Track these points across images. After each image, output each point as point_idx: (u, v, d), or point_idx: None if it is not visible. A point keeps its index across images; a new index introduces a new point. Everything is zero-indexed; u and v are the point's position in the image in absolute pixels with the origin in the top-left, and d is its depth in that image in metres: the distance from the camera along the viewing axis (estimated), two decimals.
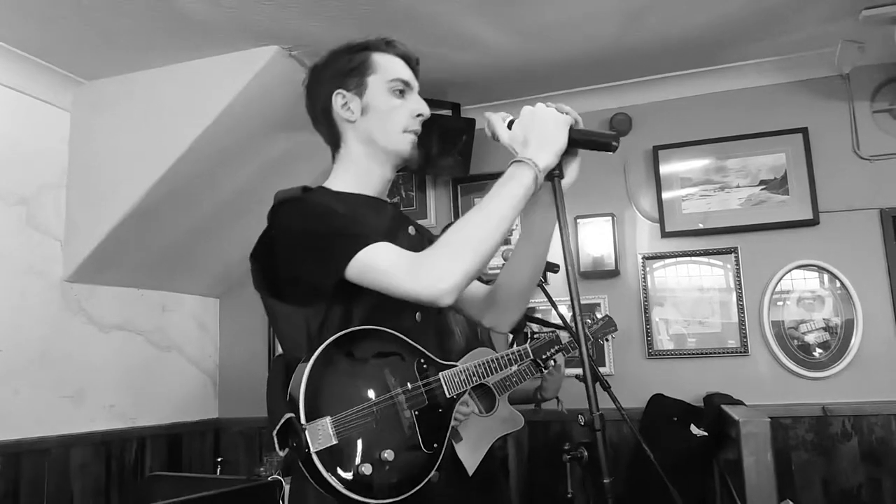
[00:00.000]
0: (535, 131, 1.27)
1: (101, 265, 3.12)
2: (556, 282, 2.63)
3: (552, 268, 2.51)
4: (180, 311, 3.72)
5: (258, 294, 4.11)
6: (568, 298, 1.20)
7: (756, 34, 3.00)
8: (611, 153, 1.30)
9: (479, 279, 1.58)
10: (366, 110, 1.42)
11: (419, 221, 1.96)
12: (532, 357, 2.14)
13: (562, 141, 1.27)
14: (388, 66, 1.45)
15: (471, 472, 2.23)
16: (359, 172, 1.44)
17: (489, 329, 1.61)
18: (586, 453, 1.90)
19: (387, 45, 1.47)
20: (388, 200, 1.48)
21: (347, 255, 1.21)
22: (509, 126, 1.33)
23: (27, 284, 2.91)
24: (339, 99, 1.43)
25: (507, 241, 2.24)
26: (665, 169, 3.39)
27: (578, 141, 1.31)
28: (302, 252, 1.28)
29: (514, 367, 1.84)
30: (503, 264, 1.54)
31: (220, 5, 2.55)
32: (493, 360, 1.64)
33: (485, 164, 3.47)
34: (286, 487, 2.38)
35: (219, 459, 3.54)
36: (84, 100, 3.14)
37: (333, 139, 1.47)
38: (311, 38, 2.83)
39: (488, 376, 1.56)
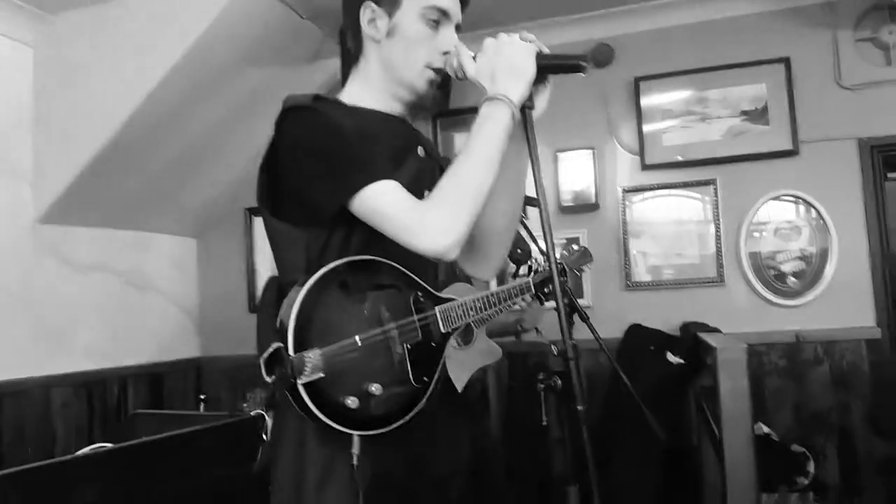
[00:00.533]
0: (501, 64, 1.24)
1: (74, 206, 3.07)
2: (536, 216, 2.61)
3: (532, 202, 2.49)
4: (157, 250, 3.69)
5: (235, 233, 4.04)
6: (541, 231, 1.19)
7: None
8: (592, 79, 1.27)
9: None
10: (392, 32, 1.34)
11: None
12: (534, 291, 2.10)
13: (531, 70, 1.24)
14: None
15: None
16: (373, 92, 1.38)
17: (470, 276, 1.58)
18: (560, 382, 1.92)
19: None
20: (400, 117, 1.41)
21: (352, 188, 1.19)
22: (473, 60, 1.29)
23: None
24: (367, 12, 1.34)
25: None
26: (646, 101, 3.36)
27: (547, 66, 1.27)
28: (306, 169, 1.23)
29: (515, 301, 1.79)
30: None
31: None
32: (493, 294, 1.56)
33: (464, 97, 3.41)
34: (269, 422, 2.41)
35: (201, 397, 3.57)
36: (47, 35, 3.02)
37: (355, 51, 1.39)
38: None
39: (487, 310, 1.51)
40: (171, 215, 3.69)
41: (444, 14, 1.35)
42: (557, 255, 2.60)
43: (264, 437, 2.23)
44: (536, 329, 2.62)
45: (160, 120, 3.03)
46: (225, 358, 3.81)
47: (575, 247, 2.87)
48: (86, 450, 2.00)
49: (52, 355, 3.02)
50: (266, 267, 3.84)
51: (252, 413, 2.48)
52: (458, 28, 1.40)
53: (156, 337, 3.63)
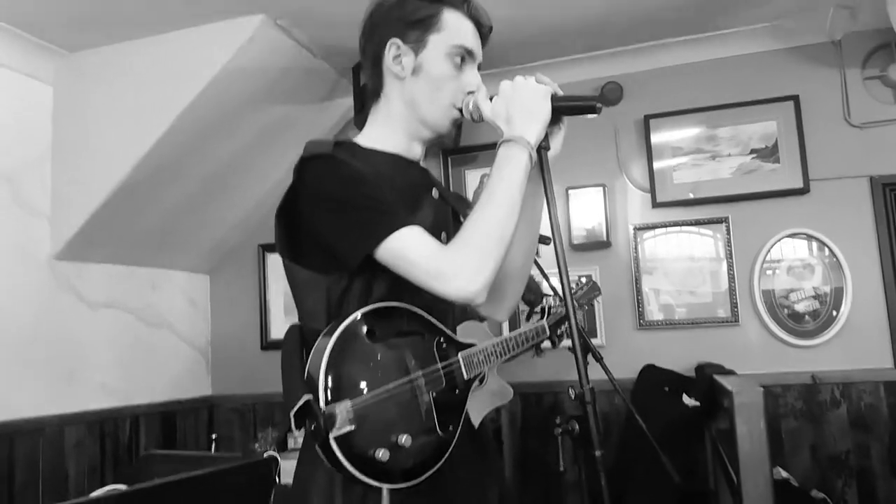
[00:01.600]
0: (517, 106, 1.25)
1: (90, 242, 3.09)
2: (547, 253, 2.61)
3: (543, 240, 2.49)
4: (170, 287, 3.70)
5: (248, 270, 4.05)
6: (557, 270, 1.20)
7: (746, 0, 2.96)
8: (598, 118, 1.29)
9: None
10: (417, 70, 1.34)
11: None
12: (548, 334, 2.09)
13: (546, 112, 1.25)
14: (455, 29, 1.35)
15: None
16: (394, 130, 1.38)
17: (485, 318, 1.58)
18: (577, 426, 1.90)
19: (462, 3, 1.36)
20: (414, 160, 1.41)
21: (377, 237, 1.18)
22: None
23: (15, 263, 2.87)
24: (392, 49, 1.34)
25: None
26: (656, 138, 3.38)
27: (562, 108, 1.29)
28: (329, 220, 1.23)
29: (532, 344, 1.79)
30: None
31: None
32: (511, 339, 1.58)
33: (475, 135, 3.44)
34: (282, 463, 2.39)
35: (213, 436, 3.56)
36: (67, 72, 3.08)
37: (375, 87, 1.39)
38: (297, 7, 2.78)
39: (507, 354, 1.52)
40: (184, 252, 3.71)
41: (470, 53, 1.36)
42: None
43: (277, 479, 2.21)
44: (537, 349, 2.54)
45: (175, 158, 3.07)
46: (237, 396, 3.79)
47: (583, 279, 2.86)
48: (99, 492, 2.00)
49: (65, 393, 3.02)
50: (279, 304, 3.85)
51: (265, 454, 2.46)
52: (479, 67, 1.42)
53: (168, 375, 3.63)
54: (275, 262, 3.86)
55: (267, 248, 3.88)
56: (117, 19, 2.81)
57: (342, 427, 1.11)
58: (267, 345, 3.81)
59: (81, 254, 3.12)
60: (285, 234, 1.30)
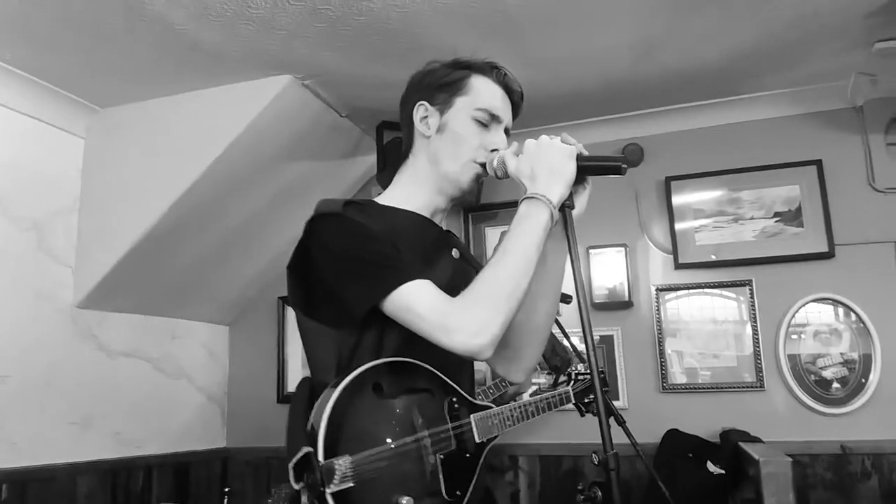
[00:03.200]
0: (542, 164, 1.26)
1: (112, 292, 3.12)
2: (569, 313, 2.59)
3: (565, 299, 2.47)
4: (190, 338, 3.71)
5: (267, 322, 4.05)
6: (580, 329, 1.18)
7: (769, 66, 3.00)
8: (620, 178, 1.29)
9: None
10: (442, 129, 1.39)
11: None
12: (574, 401, 2.04)
13: (571, 171, 1.26)
14: (481, 92, 1.40)
15: None
16: (416, 189, 1.41)
17: (501, 378, 1.55)
18: (600, 493, 1.84)
19: (491, 70, 1.42)
20: (435, 222, 1.44)
21: (384, 289, 1.19)
22: None
23: (38, 310, 2.90)
24: (420, 111, 1.41)
25: None
26: (678, 200, 3.37)
27: (587, 168, 1.30)
28: (337, 273, 1.25)
29: (553, 411, 1.74)
30: None
31: (234, 35, 2.58)
32: (531, 404, 1.53)
33: (496, 193, 3.46)
34: None
35: (226, 490, 3.49)
36: (98, 127, 3.16)
37: (405, 149, 1.45)
38: (323, 68, 2.85)
39: (525, 419, 1.47)
40: (205, 303, 3.72)
41: (494, 118, 1.40)
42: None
43: None
44: (579, 409, 2.47)
45: (198, 211, 3.11)
46: (252, 449, 3.75)
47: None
48: None
49: (79, 441, 3.00)
50: (296, 357, 3.83)
51: None
52: (507, 132, 1.44)
53: (184, 425, 3.60)
54: (293, 315, 3.85)
55: (286, 301, 3.88)
56: (147, 77, 2.90)
57: (340, 483, 1.08)
58: (283, 398, 3.78)
59: (103, 303, 3.14)
60: (297, 288, 1.32)
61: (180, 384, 3.61)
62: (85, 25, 2.46)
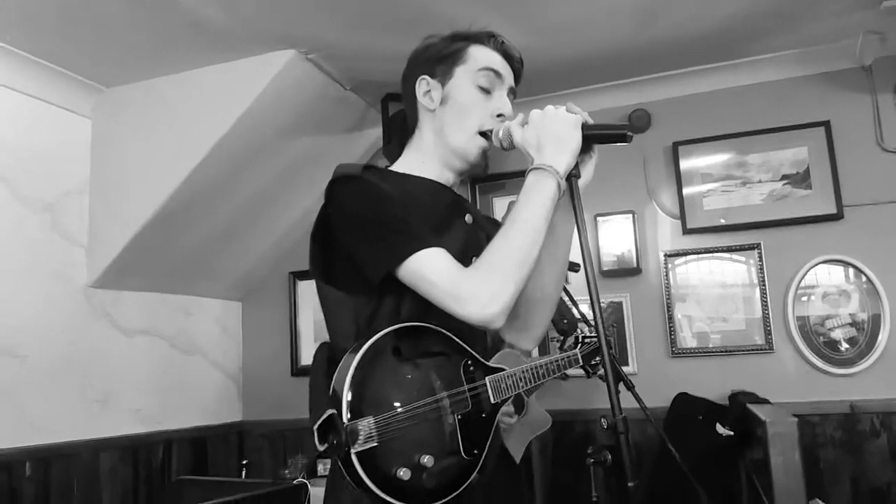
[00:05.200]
0: (547, 134, 1.26)
1: (125, 271, 3.16)
2: (577, 281, 2.61)
3: (573, 267, 2.47)
4: (203, 314, 3.75)
5: (278, 296, 4.09)
6: (588, 297, 1.19)
7: (775, 27, 2.96)
8: (627, 145, 1.29)
9: None
10: (445, 100, 1.39)
11: None
12: (581, 363, 2.07)
13: (576, 140, 1.26)
14: (480, 58, 1.40)
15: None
16: (426, 161, 1.42)
17: (510, 346, 1.57)
18: (610, 457, 1.87)
19: (489, 38, 1.42)
20: (448, 186, 1.44)
21: (399, 255, 1.20)
22: None
23: (52, 290, 2.94)
24: (422, 85, 1.41)
25: None
26: (685, 165, 3.36)
27: (593, 137, 1.30)
28: (354, 237, 1.26)
29: (563, 373, 1.77)
30: None
31: (236, 12, 2.57)
32: (541, 366, 1.54)
33: (503, 163, 3.46)
34: (311, 490, 2.40)
35: (244, 462, 3.58)
36: (104, 107, 3.18)
37: (411, 124, 1.45)
38: (326, 42, 2.84)
39: (536, 381, 1.49)
40: (217, 280, 3.76)
41: (497, 76, 1.40)
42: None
43: None
44: (586, 371, 2.51)
45: (207, 188, 3.13)
46: (267, 423, 3.82)
47: (602, 304, 2.83)
48: None
49: (99, 418, 3.07)
50: (309, 330, 3.88)
51: (294, 481, 2.47)
52: (512, 93, 1.44)
53: (200, 401, 3.66)
54: (305, 289, 3.90)
55: (297, 276, 3.92)
56: (151, 56, 2.90)
57: (364, 443, 1.11)
58: (297, 371, 3.83)
59: (116, 282, 3.18)
60: (318, 255, 1.33)
61: (195, 360, 3.66)
62: (87, 5, 2.47)
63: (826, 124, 3.19)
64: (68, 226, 3.04)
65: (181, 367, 3.55)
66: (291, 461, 2.93)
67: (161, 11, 2.53)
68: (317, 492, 2.79)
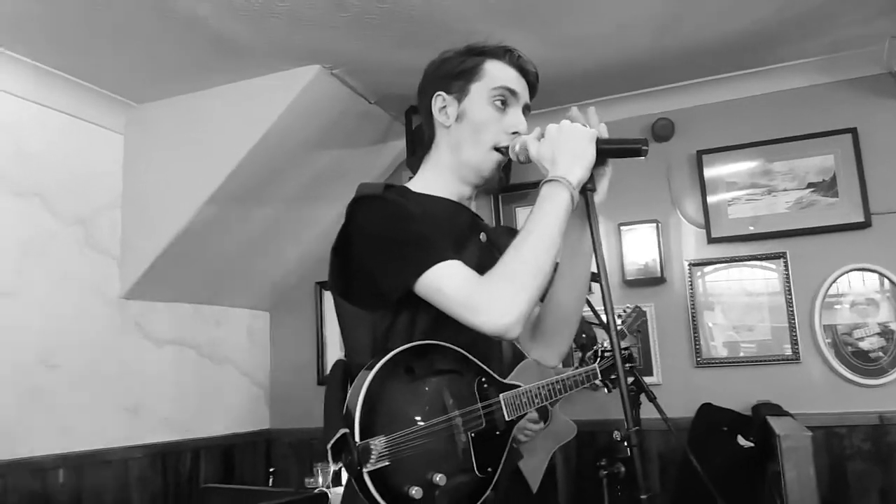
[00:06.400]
0: (562, 148, 1.28)
1: (156, 282, 3.23)
2: (599, 291, 2.60)
3: (595, 278, 2.48)
4: (232, 324, 3.82)
5: (306, 307, 4.12)
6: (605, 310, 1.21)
7: (799, 34, 2.94)
8: (649, 156, 1.30)
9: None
10: (461, 117, 1.41)
11: None
12: (601, 378, 2.06)
13: (591, 154, 1.28)
14: (496, 75, 1.41)
15: (535, 488, 2.17)
16: (443, 176, 1.44)
17: (536, 361, 1.58)
18: (623, 468, 1.87)
19: (504, 53, 1.43)
20: (465, 205, 1.46)
21: (418, 270, 1.22)
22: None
23: (85, 302, 3.03)
24: (438, 101, 1.43)
25: None
26: (709, 173, 3.34)
27: (607, 151, 1.31)
28: (374, 255, 1.28)
29: (580, 389, 1.76)
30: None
31: (261, 29, 2.63)
32: (558, 382, 1.53)
33: (526, 174, 3.47)
34: (332, 499, 2.43)
35: (271, 470, 3.62)
36: (136, 123, 3.26)
37: (428, 139, 1.47)
38: (351, 57, 2.89)
39: (552, 398, 1.48)
40: (245, 290, 3.83)
41: (512, 94, 1.41)
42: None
43: None
44: (606, 385, 2.49)
45: (235, 201, 3.20)
46: (294, 431, 3.86)
47: (629, 308, 2.81)
48: None
49: (130, 426, 3.14)
50: (334, 340, 3.92)
51: (316, 490, 2.50)
52: (527, 109, 1.46)
53: (229, 409, 3.72)
54: (331, 299, 3.94)
55: (324, 286, 3.97)
56: (180, 72, 2.98)
57: (376, 462, 1.12)
58: (323, 380, 3.87)
59: (148, 293, 3.26)
60: (337, 271, 1.35)
61: (225, 369, 3.73)
62: (117, 24, 2.55)
63: (853, 131, 3.15)
64: (101, 239, 3.12)
65: (210, 377, 3.62)
66: (317, 469, 2.97)
67: (190, 29, 2.60)
68: (338, 500, 2.82)
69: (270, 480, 3.53)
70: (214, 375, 3.65)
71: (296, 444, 3.86)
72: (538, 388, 1.44)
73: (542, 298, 1.49)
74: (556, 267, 1.43)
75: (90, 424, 2.97)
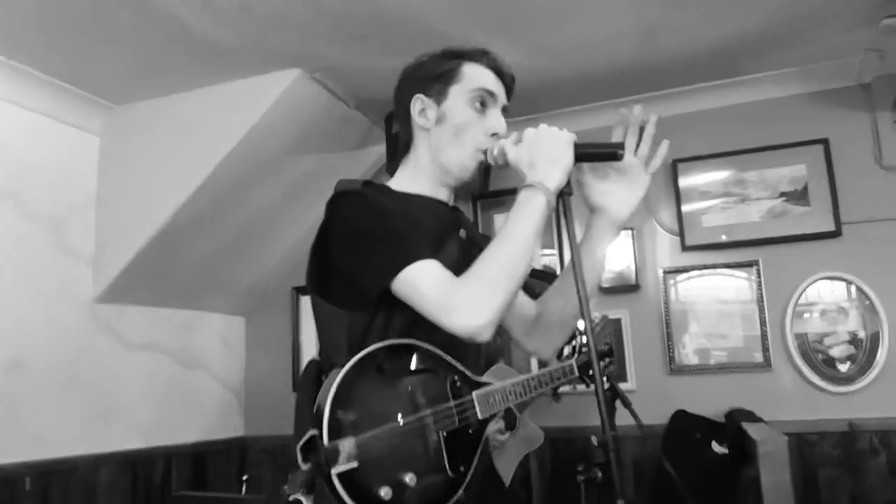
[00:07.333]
0: (540, 152, 1.29)
1: (130, 286, 3.19)
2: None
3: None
4: (206, 329, 3.78)
5: (282, 312, 4.10)
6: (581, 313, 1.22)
7: (774, 45, 2.99)
8: (620, 162, 1.33)
9: (531, 295, 1.58)
10: (441, 120, 1.41)
11: None
12: (577, 374, 2.06)
13: (568, 158, 1.29)
14: (474, 77, 1.42)
15: (507, 482, 2.18)
16: (422, 178, 1.44)
17: (531, 354, 1.60)
18: (600, 474, 1.88)
19: (481, 56, 1.44)
20: (445, 201, 1.47)
21: (394, 268, 1.22)
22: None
23: (58, 305, 2.98)
24: (417, 104, 1.43)
25: None
26: (684, 182, 3.39)
27: (584, 155, 1.33)
28: (352, 252, 1.28)
29: (556, 385, 1.76)
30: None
31: (243, 32, 2.62)
32: (532, 378, 1.51)
33: (505, 180, 3.48)
34: None
35: (244, 477, 3.58)
36: (113, 124, 3.22)
37: (405, 142, 1.47)
38: (332, 61, 2.89)
39: (527, 394, 1.47)
40: (221, 295, 3.79)
41: (491, 95, 1.42)
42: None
43: None
44: (554, 394, 2.49)
45: (212, 205, 3.17)
46: (269, 437, 3.83)
47: (597, 316, 2.81)
48: None
49: (100, 433, 3.08)
50: (311, 345, 3.90)
51: (290, 497, 2.48)
52: (505, 111, 1.47)
53: (202, 415, 3.68)
54: (308, 304, 3.92)
55: (301, 291, 3.94)
56: (159, 74, 2.95)
57: (345, 463, 1.11)
58: (296, 386, 3.85)
59: (121, 297, 3.21)
60: (315, 269, 1.35)
61: (198, 375, 3.68)
62: (96, 24, 2.52)
63: (825, 142, 3.21)
64: (74, 241, 3.07)
65: (184, 382, 3.57)
66: (291, 476, 2.94)
67: (169, 31, 2.58)
68: None
69: (244, 488, 3.48)
70: (188, 381, 3.60)
71: (270, 450, 3.82)
72: (512, 385, 1.42)
73: (536, 297, 1.52)
74: (555, 276, 1.47)
75: (59, 431, 2.91)
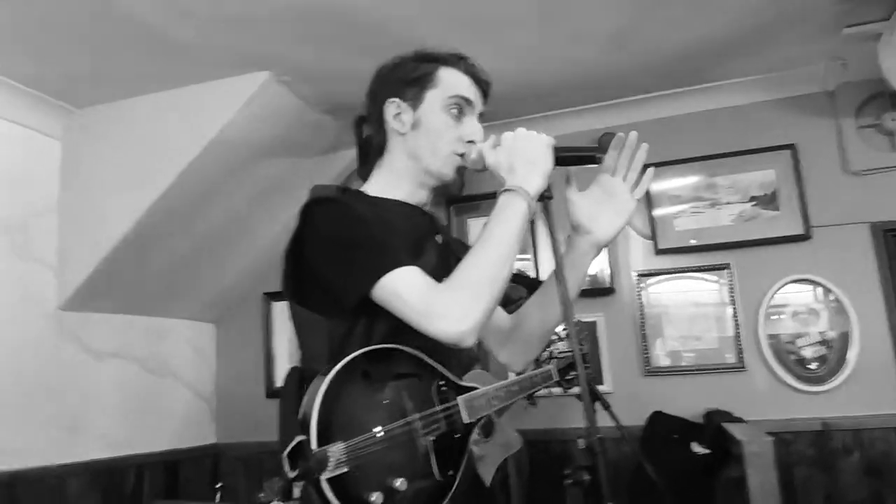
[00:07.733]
0: (519, 157, 1.29)
1: (95, 293, 3.11)
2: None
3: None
4: (176, 336, 3.70)
5: (253, 318, 4.04)
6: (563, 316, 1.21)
7: (739, 53, 3.03)
8: (598, 166, 1.33)
9: (506, 300, 1.57)
10: (416, 125, 1.39)
11: None
12: (557, 379, 2.07)
13: (547, 162, 1.29)
14: (450, 83, 1.41)
15: (487, 483, 2.17)
16: (398, 181, 1.42)
17: (504, 364, 1.58)
18: (587, 477, 1.86)
19: (458, 61, 1.43)
20: (419, 206, 1.45)
21: (374, 276, 1.20)
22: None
23: (21, 313, 2.89)
24: (392, 108, 1.41)
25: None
26: (655, 187, 3.41)
27: (563, 159, 1.33)
28: (329, 260, 1.26)
29: (535, 389, 1.78)
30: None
31: (210, 34, 2.57)
32: (515, 384, 1.53)
33: (478, 184, 3.48)
34: None
35: (218, 486, 3.51)
36: (74, 128, 3.14)
37: (379, 145, 1.44)
38: (300, 65, 2.85)
39: (511, 398, 1.48)
40: (190, 302, 3.72)
41: (468, 102, 1.41)
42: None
43: None
44: (530, 399, 2.50)
45: (180, 210, 3.11)
46: (242, 445, 3.76)
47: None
48: None
49: (69, 443, 3.00)
50: (283, 352, 3.85)
51: None
52: (481, 116, 1.46)
53: (173, 423, 3.60)
54: (279, 310, 3.87)
55: (272, 297, 3.89)
56: (123, 77, 2.88)
57: (335, 469, 1.09)
58: (272, 393, 3.79)
59: (87, 304, 3.13)
60: (291, 276, 1.32)
61: (168, 383, 3.61)
62: (56, 26, 2.45)
63: (792, 147, 3.27)
64: (36, 248, 2.99)
65: (153, 391, 3.50)
66: (266, 484, 2.89)
67: (132, 32, 2.51)
68: None
69: (218, 496, 3.42)
70: (158, 389, 3.53)
71: (244, 458, 3.75)
72: (496, 388, 1.43)
73: (513, 310, 1.50)
74: (540, 284, 1.46)
75: (24, 442, 2.82)
